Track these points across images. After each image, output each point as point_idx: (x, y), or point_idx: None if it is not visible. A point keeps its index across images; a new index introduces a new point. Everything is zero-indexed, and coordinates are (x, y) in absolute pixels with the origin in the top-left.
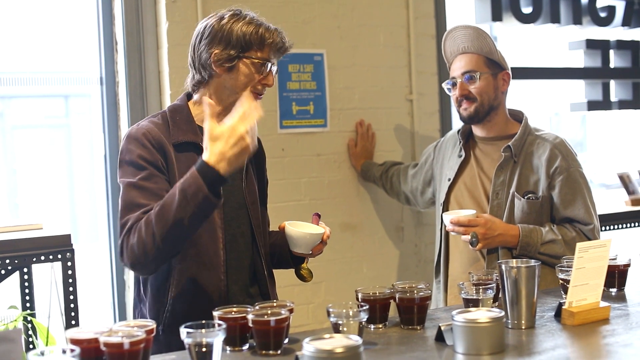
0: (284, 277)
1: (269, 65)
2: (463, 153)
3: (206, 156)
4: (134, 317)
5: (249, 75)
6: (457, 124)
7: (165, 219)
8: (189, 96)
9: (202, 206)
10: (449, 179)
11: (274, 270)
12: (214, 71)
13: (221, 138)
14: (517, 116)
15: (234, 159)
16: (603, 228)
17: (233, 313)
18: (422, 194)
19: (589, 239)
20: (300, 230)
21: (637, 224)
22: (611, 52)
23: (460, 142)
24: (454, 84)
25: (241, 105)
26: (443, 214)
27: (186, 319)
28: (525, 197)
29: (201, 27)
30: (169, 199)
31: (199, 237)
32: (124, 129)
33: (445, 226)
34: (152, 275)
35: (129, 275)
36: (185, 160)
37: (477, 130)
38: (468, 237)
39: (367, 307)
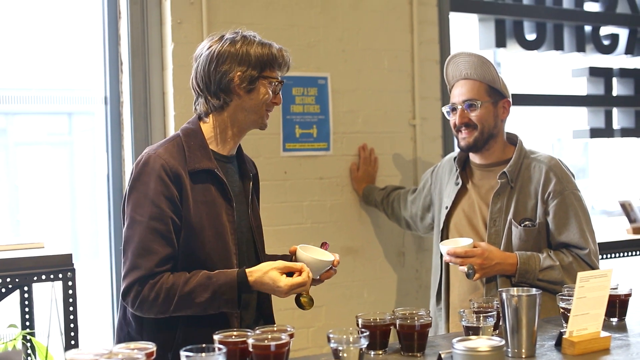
0: (284, 300)
1: (279, 84)
2: (460, 181)
3: (252, 277)
4: (119, 340)
5: (265, 95)
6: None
7: (188, 302)
8: (199, 116)
9: (224, 308)
10: (447, 207)
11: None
12: (236, 93)
13: (273, 278)
14: (513, 140)
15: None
16: (604, 256)
17: (233, 337)
18: (421, 219)
19: (587, 263)
20: (312, 255)
21: (638, 253)
22: (614, 79)
23: (456, 169)
24: (453, 109)
25: (302, 278)
26: (440, 244)
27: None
28: (522, 225)
29: (209, 53)
30: (200, 288)
31: (214, 264)
32: (127, 148)
33: None
34: None
35: None
36: (200, 189)
37: (475, 158)
38: (465, 268)
39: (368, 333)
